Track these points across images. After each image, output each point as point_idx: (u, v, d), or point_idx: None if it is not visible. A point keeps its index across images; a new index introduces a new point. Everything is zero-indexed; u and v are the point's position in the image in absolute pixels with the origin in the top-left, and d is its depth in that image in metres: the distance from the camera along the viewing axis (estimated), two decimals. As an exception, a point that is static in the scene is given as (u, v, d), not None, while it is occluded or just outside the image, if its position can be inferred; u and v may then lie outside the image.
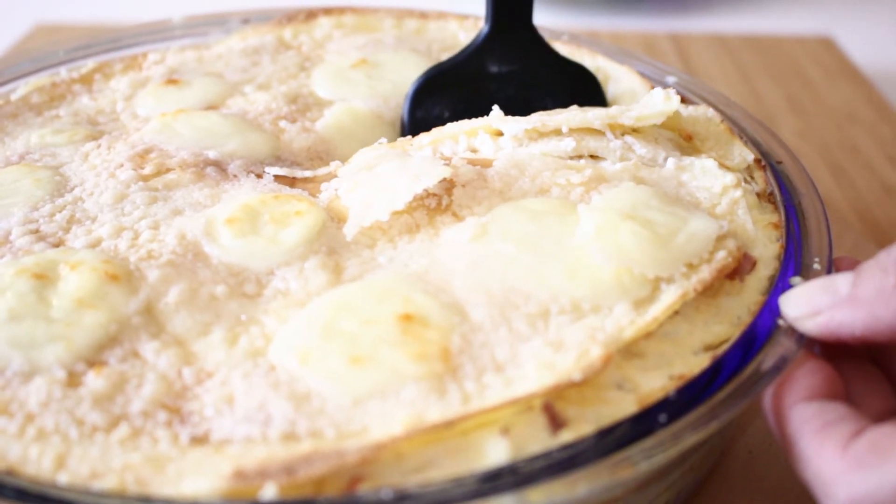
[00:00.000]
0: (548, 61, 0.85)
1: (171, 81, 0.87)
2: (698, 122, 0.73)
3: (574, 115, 0.70)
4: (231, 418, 0.52)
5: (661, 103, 0.71)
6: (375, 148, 0.72)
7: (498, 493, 0.46)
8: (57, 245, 0.64)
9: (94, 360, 0.55)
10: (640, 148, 0.70)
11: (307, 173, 0.73)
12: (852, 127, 1.25)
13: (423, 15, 1.01)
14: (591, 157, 0.70)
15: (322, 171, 0.73)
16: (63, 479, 0.48)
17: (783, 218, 0.68)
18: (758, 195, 0.70)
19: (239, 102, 0.84)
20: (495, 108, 0.72)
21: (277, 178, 0.72)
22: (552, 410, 0.51)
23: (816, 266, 0.62)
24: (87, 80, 0.90)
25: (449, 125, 0.73)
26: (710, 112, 0.74)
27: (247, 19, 1.00)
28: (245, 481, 0.47)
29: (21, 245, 0.63)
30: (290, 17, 0.99)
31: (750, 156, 0.72)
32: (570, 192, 0.67)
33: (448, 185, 0.67)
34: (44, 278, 0.59)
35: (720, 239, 0.62)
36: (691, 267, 0.59)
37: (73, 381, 0.53)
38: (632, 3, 1.68)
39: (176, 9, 1.56)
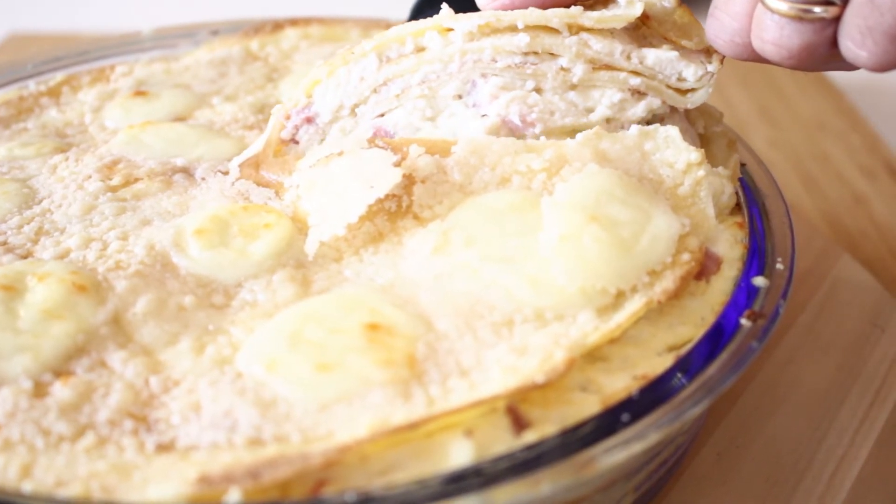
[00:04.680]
0: None
1: (139, 93, 0.87)
2: (654, 8, 0.71)
3: (531, 13, 0.67)
4: (197, 425, 0.52)
5: (623, 8, 0.69)
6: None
7: (462, 493, 0.47)
8: (25, 257, 0.64)
9: (61, 370, 0.55)
10: (596, 43, 0.67)
11: (259, 143, 0.74)
12: (823, 136, 1.26)
13: (390, 25, 1.02)
14: (546, 53, 0.68)
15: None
16: (28, 487, 0.48)
17: (747, 219, 0.68)
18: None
19: (207, 114, 0.84)
20: (444, 6, 0.70)
21: (243, 170, 0.73)
22: (516, 412, 0.51)
23: (779, 266, 0.63)
24: (54, 93, 0.90)
25: (393, 28, 0.72)
26: (669, 1, 0.71)
27: (216, 31, 1.01)
28: (210, 486, 0.47)
29: (-12, 257, 0.63)
30: (258, 28, 0.99)
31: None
32: (531, 179, 0.65)
33: (407, 183, 0.66)
34: (11, 290, 0.59)
35: (682, 238, 0.62)
36: (654, 274, 0.60)
37: (40, 391, 0.54)
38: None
39: (148, 17, 1.56)
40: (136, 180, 0.73)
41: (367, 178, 0.65)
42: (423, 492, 0.47)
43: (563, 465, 0.48)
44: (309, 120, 0.73)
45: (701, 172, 0.66)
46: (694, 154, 0.66)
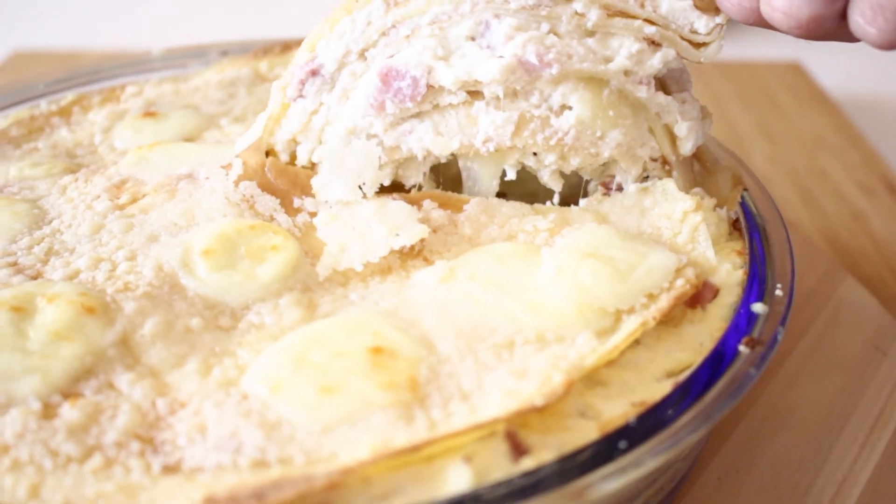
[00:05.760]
0: None
1: (149, 114, 0.89)
2: None
3: None
4: (203, 447, 0.53)
5: None
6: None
7: (461, 519, 0.47)
8: (35, 277, 0.65)
9: (69, 391, 0.56)
10: None
11: (259, 123, 0.75)
12: (821, 153, 1.27)
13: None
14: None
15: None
16: (36, 508, 0.49)
17: (747, 244, 0.69)
18: (733, 224, 0.72)
19: (215, 135, 0.86)
20: None
21: (246, 162, 0.74)
22: (515, 438, 0.52)
23: (779, 292, 0.64)
24: (65, 113, 0.91)
25: None
26: None
27: (225, 51, 1.02)
28: (215, 509, 0.48)
29: (-1, 278, 0.64)
30: (266, 49, 1.01)
31: None
32: (535, 237, 0.69)
33: None
34: (21, 311, 0.60)
35: (680, 269, 0.63)
36: (651, 297, 0.61)
37: (49, 412, 0.54)
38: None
39: (151, 35, 1.58)
40: (143, 196, 0.74)
41: (393, 225, 0.68)
42: (422, 517, 0.48)
43: (560, 492, 0.49)
44: (314, 73, 0.73)
45: (697, 218, 0.68)
46: (688, 202, 0.69)
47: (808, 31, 0.59)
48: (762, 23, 0.63)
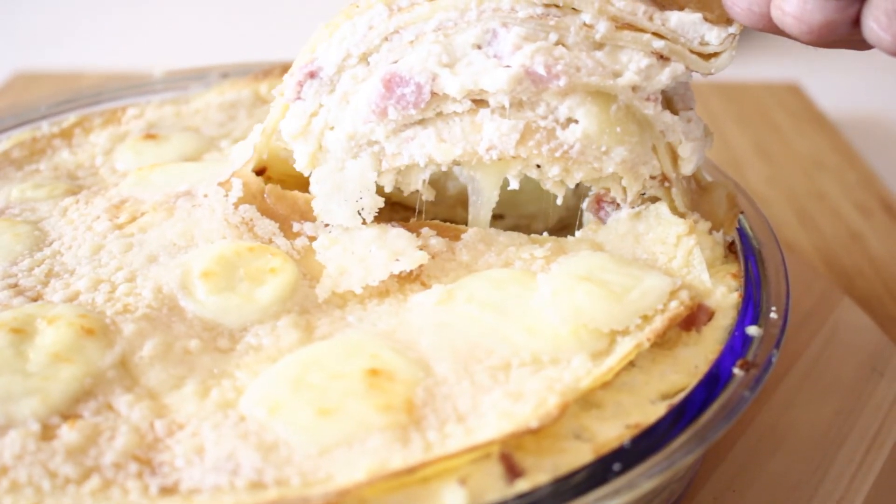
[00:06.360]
0: None
1: (150, 136, 0.89)
2: None
3: None
4: (200, 468, 0.53)
5: None
6: None
7: (456, 541, 0.48)
8: (35, 299, 0.66)
9: (68, 413, 0.56)
10: (619, 1, 0.67)
11: (255, 134, 0.75)
12: (819, 173, 1.27)
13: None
14: (569, 7, 0.67)
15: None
16: (34, 529, 0.49)
17: (742, 267, 0.70)
18: (729, 247, 0.72)
19: (215, 157, 0.86)
20: None
21: (245, 192, 0.74)
22: (510, 460, 0.53)
23: (773, 315, 0.64)
24: (67, 135, 0.92)
25: None
26: None
27: (226, 73, 1.03)
28: (212, 531, 0.48)
29: (0, 299, 0.65)
30: (267, 71, 1.01)
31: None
32: (531, 264, 0.69)
33: None
34: (21, 333, 0.60)
35: (674, 292, 0.64)
36: (646, 318, 0.62)
37: (48, 433, 0.55)
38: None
39: (153, 57, 1.59)
40: (142, 214, 0.75)
41: (394, 251, 0.69)
42: (417, 538, 0.48)
43: (554, 514, 0.49)
44: (312, 74, 0.72)
45: (691, 242, 0.69)
46: (682, 226, 0.70)
47: (819, 37, 0.58)
48: (773, 28, 0.61)
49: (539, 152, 0.68)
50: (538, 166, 0.70)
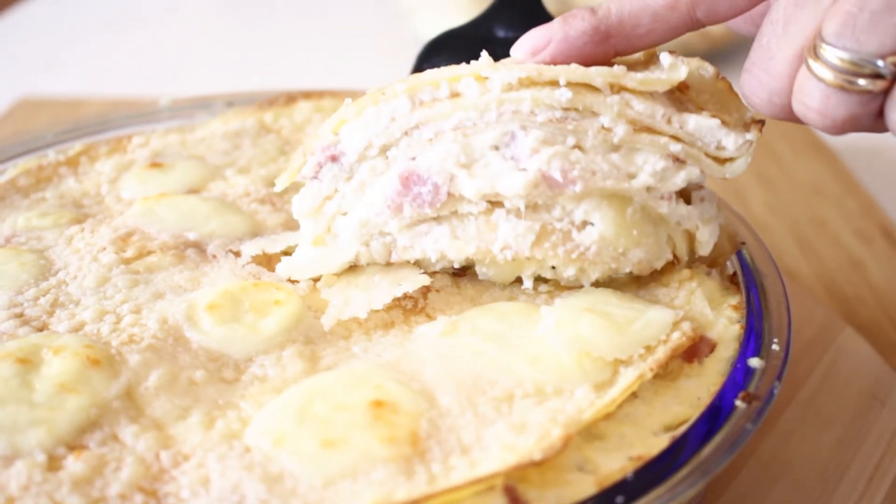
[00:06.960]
0: None
1: (155, 165, 0.90)
2: (694, 76, 0.69)
3: (575, 70, 0.66)
4: (206, 500, 0.53)
5: (667, 70, 0.68)
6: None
7: (460, 574, 0.48)
8: (41, 329, 0.66)
9: (74, 443, 0.57)
10: (638, 104, 0.66)
11: (277, 248, 0.75)
12: (820, 200, 1.28)
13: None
14: (588, 111, 0.66)
15: (285, 238, 0.77)
16: (40, 561, 0.49)
17: (744, 299, 0.70)
18: (730, 279, 0.73)
19: (220, 186, 0.87)
20: (484, 53, 0.68)
21: (254, 258, 0.75)
22: (514, 492, 0.53)
23: (775, 347, 0.65)
24: (73, 163, 0.92)
25: (428, 71, 0.69)
26: (709, 70, 0.69)
27: (231, 102, 1.03)
28: (217, 564, 0.48)
29: (5, 329, 0.65)
30: (272, 101, 1.02)
31: (748, 113, 0.69)
32: (535, 298, 0.70)
33: (424, 290, 0.71)
34: (27, 363, 0.61)
35: (677, 323, 0.65)
36: (649, 349, 0.63)
37: (54, 464, 0.55)
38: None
39: (158, 84, 1.60)
40: (150, 253, 0.75)
41: (396, 278, 0.70)
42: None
43: (557, 547, 0.49)
44: (334, 158, 0.71)
45: (693, 284, 0.70)
46: (684, 272, 0.71)
47: (843, 130, 0.59)
48: (794, 118, 0.61)
49: (555, 253, 0.68)
50: (553, 267, 0.70)
